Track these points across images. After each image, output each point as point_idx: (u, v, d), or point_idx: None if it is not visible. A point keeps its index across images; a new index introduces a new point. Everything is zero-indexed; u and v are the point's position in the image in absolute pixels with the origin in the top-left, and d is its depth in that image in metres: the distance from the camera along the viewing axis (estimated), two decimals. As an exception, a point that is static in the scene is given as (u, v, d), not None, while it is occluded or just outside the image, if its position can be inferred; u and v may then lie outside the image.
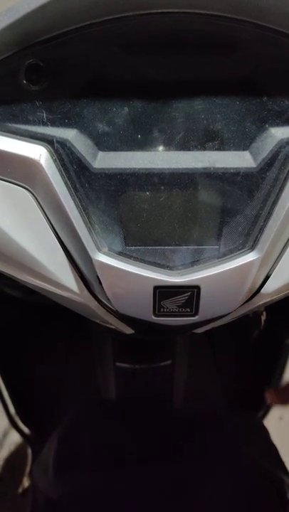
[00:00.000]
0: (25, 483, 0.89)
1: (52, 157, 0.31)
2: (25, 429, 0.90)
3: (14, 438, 1.13)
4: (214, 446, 0.65)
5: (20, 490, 0.91)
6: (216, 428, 0.67)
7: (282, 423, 1.14)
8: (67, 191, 0.31)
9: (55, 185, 0.31)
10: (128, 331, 0.40)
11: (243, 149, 0.32)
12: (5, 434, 1.14)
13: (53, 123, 0.32)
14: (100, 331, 0.69)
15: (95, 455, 0.66)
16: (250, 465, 0.63)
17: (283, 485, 0.62)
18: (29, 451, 0.90)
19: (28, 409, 0.87)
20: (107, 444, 0.67)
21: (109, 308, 0.35)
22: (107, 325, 0.40)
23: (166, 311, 0.33)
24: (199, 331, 0.38)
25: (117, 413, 0.70)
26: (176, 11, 0.31)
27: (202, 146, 0.32)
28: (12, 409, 0.88)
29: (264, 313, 0.66)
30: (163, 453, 0.64)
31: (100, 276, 0.32)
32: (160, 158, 0.32)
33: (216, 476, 0.62)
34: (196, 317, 0.33)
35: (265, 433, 0.71)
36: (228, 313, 0.34)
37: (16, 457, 1.10)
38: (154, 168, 0.32)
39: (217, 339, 0.77)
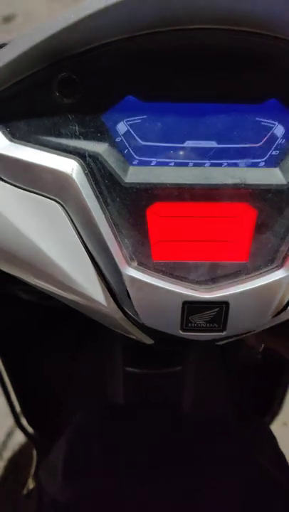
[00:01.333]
0: (30, 484, 0.89)
1: (84, 171, 0.31)
2: (30, 430, 0.90)
3: (18, 438, 1.13)
4: (223, 452, 0.65)
5: (24, 491, 0.91)
6: (225, 434, 0.67)
7: (287, 429, 1.14)
8: (98, 205, 0.31)
9: (86, 199, 0.31)
10: (149, 341, 0.40)
11: (274, 166, 0.33)
12: (9, 435, 1.14)
13: (85, 136, 0.32)
14: (109, 335, 0.69)
15: (104, 459, 0.66)
16: (260, 472, 0.63)
17: (292, 492, 0.62)
18: (34, 452, 0.90)
19: (35, 410, 0.87)
20: (116, 448, 0.67)
21: (134, 320, 0.35)
22: (129, 335, 0.40)
23: (194, 326, 0.33)
24: (221, 343, 0.39)
25: (125, 417, 0.70)
26: (208, 27, 0.32)
27: (233, 162, 0.32)
28: (18, 409, 0.88)
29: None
30: (172, 458, 0.64)
31: (129, 290, 0.32)
32: (191, 174, 0.32)
33: (225, 482, 0.62)
34: (224, 333, 0.33)
35: (273, 440, 0.71)
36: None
37: (20, 458, 1.10)
38: (184, 184, 0.32)
39: (226, 345, 0.77)
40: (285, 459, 0.70)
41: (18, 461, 1.09)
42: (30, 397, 0.86)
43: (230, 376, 0.78)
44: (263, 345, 0.64)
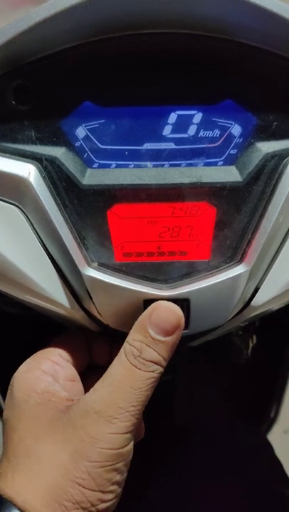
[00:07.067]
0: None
1: (41, 174, 0.32)
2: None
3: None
4: (218, 462, 0.64)
5: None
6: (220, 444, 0.66)
7: (287, 437, 1.12)
8: (56, 208, 0.32)
9: (44, 202, 0.31)
10: (121, 346, 0.40)
11: (230, 164, 0.33)
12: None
13: (42, 141, 0.32)
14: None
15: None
16: (256, 482, 0.62)
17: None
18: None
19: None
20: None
21: (100, 322, 0.35)
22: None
23: (157, 325, 0.33)
24: (194, 344, 0.38)
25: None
26: (162, 31, 0.32)
27: (191, 162, 0.33)
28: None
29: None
30: (165, 470, 0.63)
31: (90, 291, 0.32)
32: (148, 175, 0.33)
33: (220, 493, 0.61)
34: (187, 330, 0.33)
35: (269, 449, 0.70)
36: (220, 326, 0.35)
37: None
38: (142, 184, 0.32)
39: (216, 352, 0.77)
40: (282, 468, 0.68)
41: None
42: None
43: (223, 384, 0.77)
44: (251, 346, 0.64)
